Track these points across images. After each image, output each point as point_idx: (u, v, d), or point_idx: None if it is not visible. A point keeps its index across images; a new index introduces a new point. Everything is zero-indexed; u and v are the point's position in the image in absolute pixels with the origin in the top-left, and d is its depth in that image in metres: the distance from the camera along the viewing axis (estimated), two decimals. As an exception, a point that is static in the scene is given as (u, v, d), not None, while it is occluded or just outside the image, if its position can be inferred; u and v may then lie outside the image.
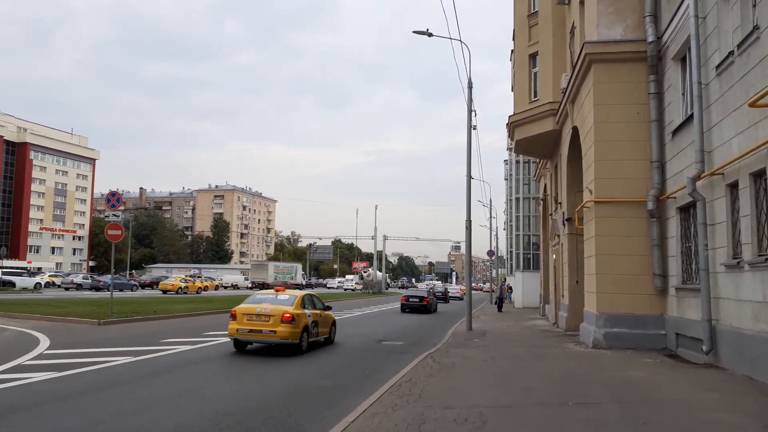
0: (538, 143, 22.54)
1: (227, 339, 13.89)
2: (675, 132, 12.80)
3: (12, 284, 43.69)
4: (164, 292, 47.97)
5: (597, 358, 12.12)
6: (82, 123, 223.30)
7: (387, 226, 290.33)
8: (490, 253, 48.65)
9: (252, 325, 13.04)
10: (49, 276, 53.98)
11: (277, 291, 14.65)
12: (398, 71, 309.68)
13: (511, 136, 23.25)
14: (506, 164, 72.09)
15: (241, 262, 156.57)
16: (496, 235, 60.75)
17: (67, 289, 47.60)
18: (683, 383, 9.13)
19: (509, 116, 22.49)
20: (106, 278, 49.94)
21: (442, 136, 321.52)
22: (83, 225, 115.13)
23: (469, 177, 20.34)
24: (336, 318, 16.86)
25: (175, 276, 58.97)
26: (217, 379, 9.92)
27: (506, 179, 71.36)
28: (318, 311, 14.89)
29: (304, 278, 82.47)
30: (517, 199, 42.52)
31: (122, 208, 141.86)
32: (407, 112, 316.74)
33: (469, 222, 20.67)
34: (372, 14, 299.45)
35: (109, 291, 42.88)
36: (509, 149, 60.61)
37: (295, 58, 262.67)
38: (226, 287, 68.67)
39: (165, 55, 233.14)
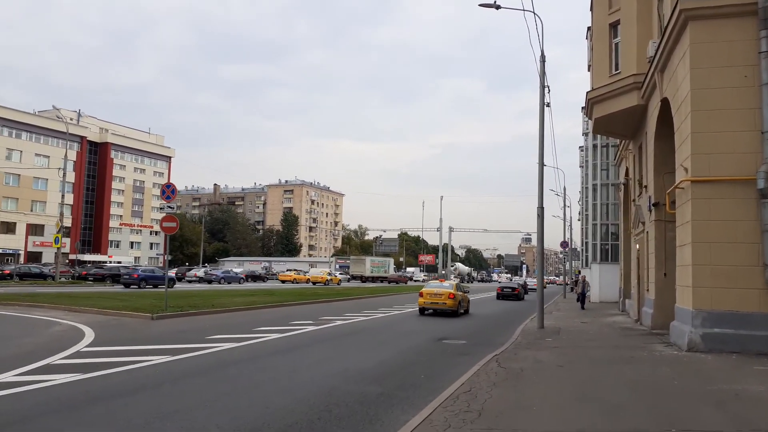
0: (619, 121, 20.29)
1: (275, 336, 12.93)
2: (794, 94, 10.61)
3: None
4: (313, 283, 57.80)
5: (696, 365, 10.21)
6: (161, 124, 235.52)
7: (453, 218, 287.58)
8: (564, 244, 45.92)
9: (432, 300, 23.28)
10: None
11: (441, 281, 28.38)
12: (466, 63, 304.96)
13: (589, 114, 21.10)
14: (581, 151, 68.40)
15: (310, 255, 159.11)
16: (570, 225, 57.59)
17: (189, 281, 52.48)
18: (819, 403, 7.20)
19: (587, 92, 20.37)
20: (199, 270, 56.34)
21: (512, 126, 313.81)
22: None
23: (542, 158, 18.48)
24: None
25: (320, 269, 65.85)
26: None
27: (581, 166, 67.71)
28: (462, 293, 25.14)
29: (395, 270, 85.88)
30: (594, 186, 39.63)
31: (177, 200, 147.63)
32: (475, 104, 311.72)
33: (541, 209, 18.83)
34: (436, 7, 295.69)
35: (221, 283, 49.76)
36: (585, 134, 57.20)
37: (362, 55, 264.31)
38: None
39: (239, 57, 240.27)
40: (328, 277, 59.74)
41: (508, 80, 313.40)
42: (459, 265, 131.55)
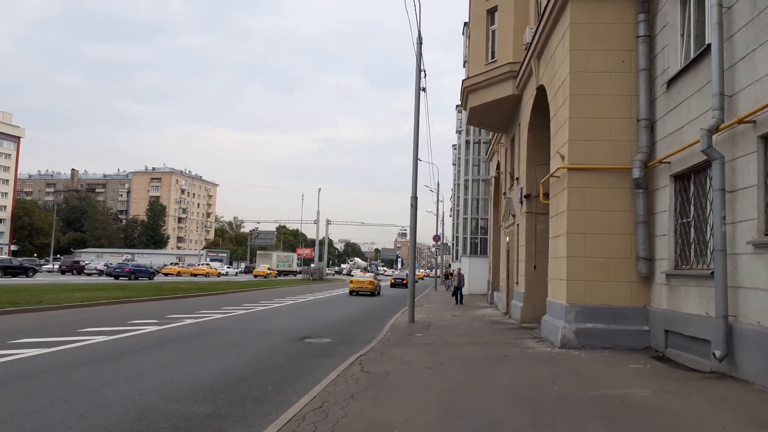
0: (494, 111, 19.86)
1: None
2: (671, 82, 10.23)
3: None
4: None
5: (571, 363, 9.48)
6: (15, 103, 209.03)
7: (333, 212, 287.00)
8: (436, 238, 46.25)
9: (359, 285, 35.89)
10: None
11: (364, 273, 55.48)
12: (347, 58, 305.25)
13: (463, 104, 20.48)
14: (455, 149, 70.04)
15: (179, 247, 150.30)
16: (442, 220, 58.58)
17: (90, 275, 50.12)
18: (706, 407, 6.50)
19: (463, 81, 19.69)
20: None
21: (392, 126, 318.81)
22: (5, 207, 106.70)
23: (416, 142, 17.46)
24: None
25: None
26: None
27: (454, 164, 69.35)
28: (378, 281, 37.52)
29: (298, 266, 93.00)
30: (466, 182, 40.15)
31: (28, 186, 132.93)
32: (357, 100, 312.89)
33: (414, 199, 17.80)
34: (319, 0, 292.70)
35: (131, 278, 43.69)
36: (459, 132, 58.33)
37: (242, 42, 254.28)
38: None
39: (105, 35, 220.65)
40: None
41: (388, 79, 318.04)
42: (357, 259, 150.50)
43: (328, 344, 13.09)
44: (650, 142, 10.98)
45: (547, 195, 13.61)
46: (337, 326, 17.16)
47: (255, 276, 64.99)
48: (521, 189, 17.67)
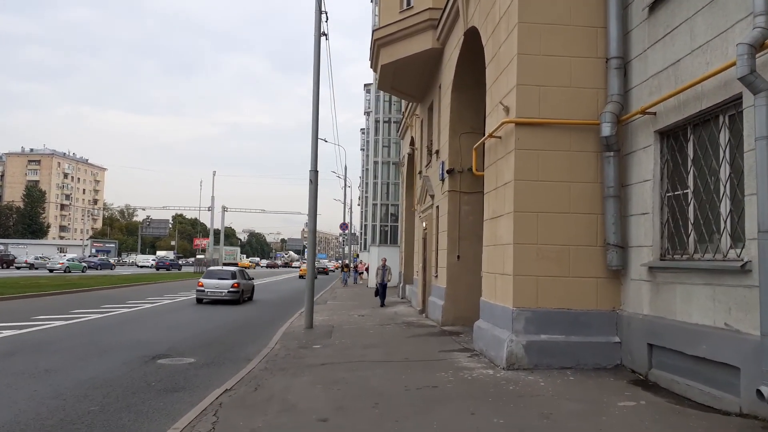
0: (409, 72, 16.72)
1: None
2: (657, 3, 7.44)
3: None
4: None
5: (534, 402, 6.46)
6: None
7: (234, 200, 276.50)
8: (344, 226, 42.89)
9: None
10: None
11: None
12: (249, 41, 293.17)
13: (374, 61, 17.15)
14: (363, 133, 66.85)
15: (61, 237, 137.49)
16: (351, 208, 55.32)
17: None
18: None
19: (372, 31, 16.33)
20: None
21: (297, 112, 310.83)
22: None
23: (317, 97, 13.90)
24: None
25: None
26: None
27: (362, 149, 66.12)
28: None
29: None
30: (375, 165, 37.06)
31: None
32: (260, 85, 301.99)
33: (314, 173, 14.29)
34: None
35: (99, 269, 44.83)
36: (367, 113, 55.15)
37: (136, 19, 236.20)
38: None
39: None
40: None
41: (293, 64, 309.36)
42: (292, 253, 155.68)
43: (188, 367, 9.41)
44: (623, 88, 8.19)
45: (481, 165, 10.62)
46: (214, 334, 13.42)
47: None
48: (442, 163, 14.67)
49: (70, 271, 47.55)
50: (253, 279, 25.72)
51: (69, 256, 64.56)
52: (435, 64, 15.83)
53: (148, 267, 70.31)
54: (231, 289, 21.64)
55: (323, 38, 14.24)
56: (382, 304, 19.97)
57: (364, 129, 63.26)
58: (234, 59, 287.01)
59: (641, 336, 7.54)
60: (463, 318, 13.17)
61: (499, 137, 9.12)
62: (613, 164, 8.14)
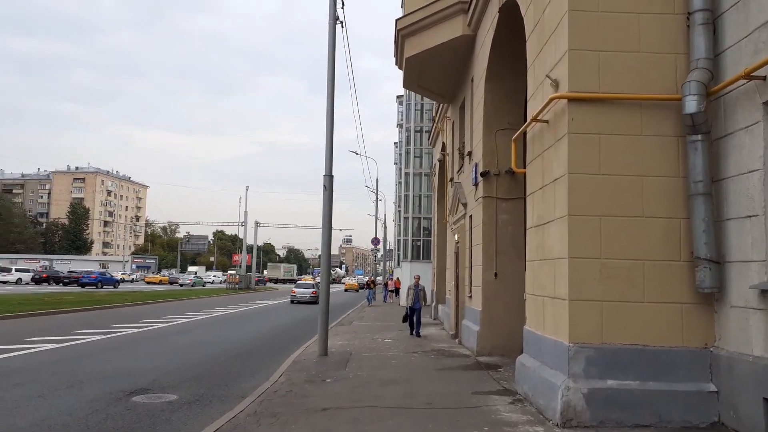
0: (438, 66, 14.88)
1: None
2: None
3: None
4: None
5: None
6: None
7: (272, 216, 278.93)
8: (375, 240, 40.97)
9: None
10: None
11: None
12: (286, 62, 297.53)
13: (398, 54, 15.36)
14: (396, 147, 65.26)
15: (104, 253, 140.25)
16: (384, 223, 53.43)
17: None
18: None
19: (396, 20, 14.56)
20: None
21: (337, 131, 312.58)
22: None
23: (332, 92, 12.18)
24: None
25: None
26: None
27: (396, 163, 64.41)
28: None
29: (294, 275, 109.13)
30: (406, 175, 35.18)
31: None
32: (297, 105, 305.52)
33: (329, 178, 12.53)
34: (257, 2, 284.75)
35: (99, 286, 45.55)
36: (399, 125, 53.47)
37: (179, 42, 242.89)
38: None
39: (29, 30, 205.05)
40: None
41: (335, 86, 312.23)
42: (338, 270, 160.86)
43: (164, 408, 7.72)
44: (713, 50, 6.16)
45: (521, 162, 8.66)
46: (216, 361, 11.77)
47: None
48: (475, 166, 12.72)
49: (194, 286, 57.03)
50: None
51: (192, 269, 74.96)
52: (466, 55, 13.97)
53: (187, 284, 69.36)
54: (311, 295, 33.08)
55: (339, 25, 12.55)
56: (412, 333, 16.03)
57: (397, 143, 61.66)
58: (271, 79, 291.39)
59: (752, 386, 5.42)
60: (501, 347, 11.14)
61: (546, 121, 7.14)
62: (701, 151, 6.08)
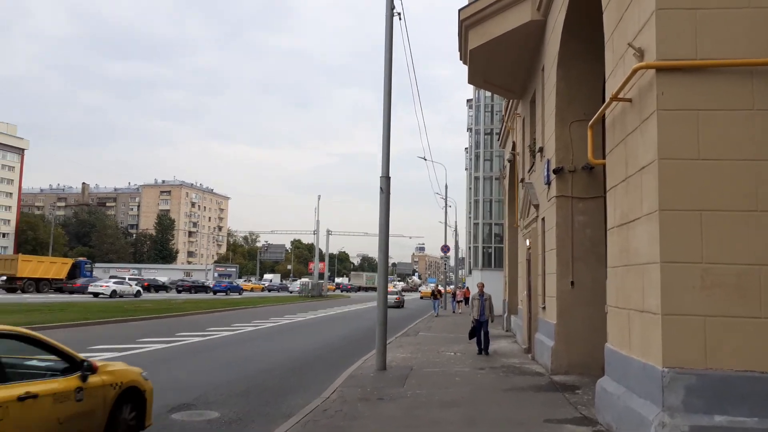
0: (505, 55, 13.79)
1: None
2: None
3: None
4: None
5: None
6: (36, 120, 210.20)
7: (348, 226, 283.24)
8: (445, 248, 39.69)
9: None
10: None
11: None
12: (361, 76, 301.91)
13: (463, 47, 14.37)
14: (467, 152, 63.72)
15: (189, 262, 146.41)
16: (455, 230, 52.08)
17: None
18: None
19: (459, 11, 13.59)
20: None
21: (407, 141, 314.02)
22: (9, 221, 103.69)
23: (389, 88, 11.39)
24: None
25: None
26: None
27: (466, 169, 62.86)
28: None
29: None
30: (476, 180, 33.91)
31: (40, 199, 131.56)
32: (372, 116, 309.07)
33: (386, 180, 11.73)
34: (332, 18, 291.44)
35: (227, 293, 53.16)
36: (469, 129, 52.03)
37: (258, 59, 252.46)
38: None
39: (123, 54, 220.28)
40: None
41: (401, 96, 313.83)
42: (415, 278, 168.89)
43: (204, 427, 7.12)
44: None
45: (598, 152, 7.48)
46: (270, 375, 11.22)
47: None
48: (547, 162, 11.52)
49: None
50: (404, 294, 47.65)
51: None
52: (535, 43, 12.81)
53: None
54: (395, 300, 38.69)
55: (396, 17, 11.75)
56: (480, 352, 14.00)
57: (467, 147, 60.19)
58: (347, 91, 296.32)
59: None
60: (580, 366, 9.87)
61: (629, 100, 5.97)
62: (837, 125, 4.76)
